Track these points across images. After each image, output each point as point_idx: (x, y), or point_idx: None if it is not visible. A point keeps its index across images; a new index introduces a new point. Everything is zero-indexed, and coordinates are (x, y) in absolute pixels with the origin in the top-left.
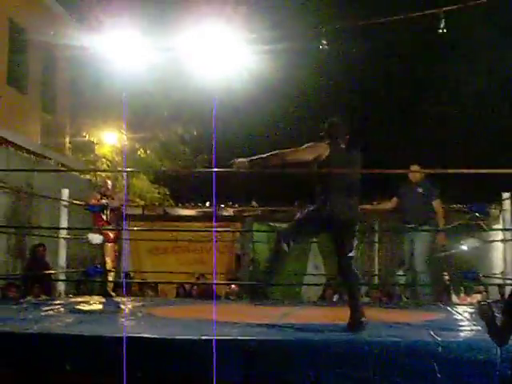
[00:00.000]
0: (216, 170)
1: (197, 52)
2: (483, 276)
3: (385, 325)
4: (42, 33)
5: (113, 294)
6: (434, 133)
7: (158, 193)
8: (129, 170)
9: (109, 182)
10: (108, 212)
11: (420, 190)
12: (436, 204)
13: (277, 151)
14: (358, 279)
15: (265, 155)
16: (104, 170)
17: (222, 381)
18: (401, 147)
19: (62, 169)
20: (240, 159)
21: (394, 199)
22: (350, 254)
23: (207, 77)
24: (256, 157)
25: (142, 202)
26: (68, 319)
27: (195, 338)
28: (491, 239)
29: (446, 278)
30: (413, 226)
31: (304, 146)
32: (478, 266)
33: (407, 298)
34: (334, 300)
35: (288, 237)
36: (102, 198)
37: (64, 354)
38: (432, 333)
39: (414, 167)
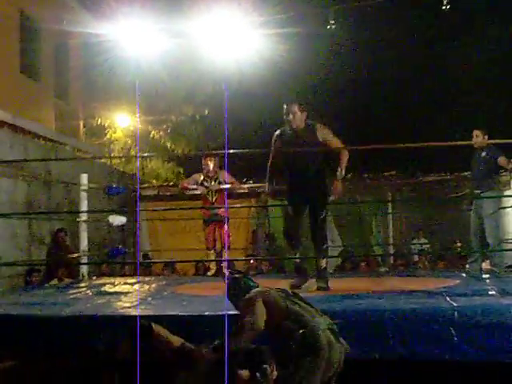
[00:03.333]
0: (229, 151)
1: (208, 36)
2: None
3: (402, 292)
4: (54, 21)
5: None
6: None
7: (172, 172)
8: (144, 155)
9: (210, 164)
10: (213, 193)
11: (483, 154)
12: (501, 160)
13: None
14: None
15: None
16: (118, 157)
17: None
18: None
19: (78, 156)
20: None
21: None
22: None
23: (218, 60)
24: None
25: (155, 182)
26: (96, 301)
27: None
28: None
29: None
30: (480, 191)
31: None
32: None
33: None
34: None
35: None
36: (204, 180)
37: (97, 335)
38: (448, 299)
39: (476, 132)
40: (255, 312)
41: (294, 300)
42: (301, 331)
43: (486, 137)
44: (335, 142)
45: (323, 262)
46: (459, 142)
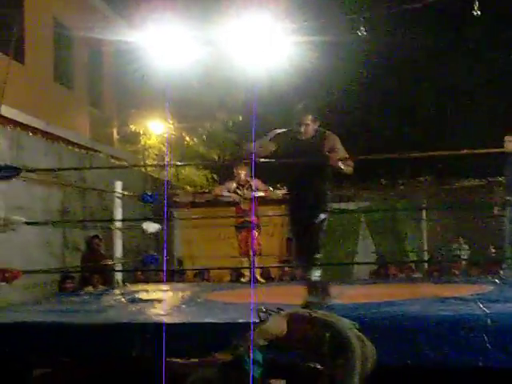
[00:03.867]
0: (258, 160)
1: (239, 43)
2: None
3: (435, 299)
4: (87, 29)
5: (262, 280)
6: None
7: (207, 179)
8: (177, 164)
9: (241, 173)
10: (246, 201)
11: None
12: None
13: None
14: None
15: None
16: (150, 165)
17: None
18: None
19: (112, 163)
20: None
21: None
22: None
23: (250, 67)
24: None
25: (189, 189)
26: (130, 308)
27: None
28: None
29: None
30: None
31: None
32: None
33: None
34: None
35: None
36: (237, 188)
37: (130, 341)
38: (481, 306)
39: (508, 138)
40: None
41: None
42: (328, 334)
43: None
44: (342, 152)
45: (315, 274)
46: (492, 150)
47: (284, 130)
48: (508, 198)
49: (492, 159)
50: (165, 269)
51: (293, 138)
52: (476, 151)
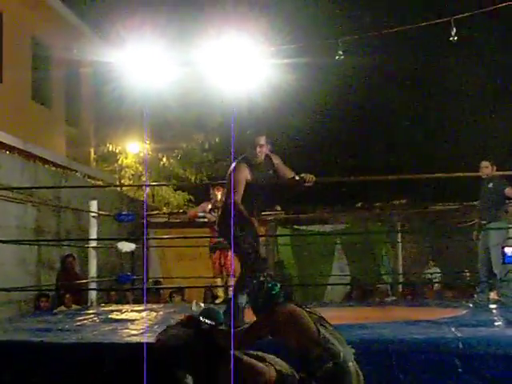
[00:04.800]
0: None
1: (217, 65)
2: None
3: (408, 322)
4: (65, 48)
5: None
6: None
7: (183, 199)
8: (152, 184)
9: (218, 194)
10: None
11: (490, 185)
12: (508, 190)
13: None
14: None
15: None
16: (128, 185)
17: None
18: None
19: (88, 185)
20: None
21: None
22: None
23: (228, 89)
24: None
25: (165, 210)
26: (103, 328)
27: None
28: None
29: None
30: (485, 222)
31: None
32: None
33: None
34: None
35: None
36: (212, 210)
37: (101, 362)
38: (453, 329)
39: (484, 163)
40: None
41: (325, 325)
42: (331, 364)
43: (495, 168)
44: (288, 170)
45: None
46: (467, 174)
47: (242, 159)
48: (482, 222)
49: (468, 183)
50: (145, 288)
51: (253, 166)
52: (450, 175)
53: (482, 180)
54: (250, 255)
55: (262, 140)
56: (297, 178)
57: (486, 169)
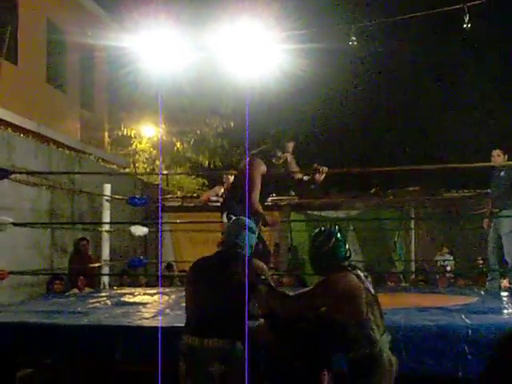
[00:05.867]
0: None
1: (231, 50)
2: None
3: (419, 309)
4: (80, 32)
5: None
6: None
7: (197, 184)
8: (165, 173)
9: (230, 178)
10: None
11: (503, 173)
12: None
13: None
14: None
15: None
16: (142, 173)
17: None
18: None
19: (102, 167)
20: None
21: None
22: None
23: (241, 74)
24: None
25: (179, 193)
26: (115, 311)
27: None
28: None
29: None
30: (497, 210)
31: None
32: None
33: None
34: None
35: None
36: (225, 193)
37: (114, 344)
38: (463, 316)
39: (496, 152)
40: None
41: (374, 307)
42: (368, 351)
43: (506, 156)
44: (297, 169)
45: None
46: (480, 164)
47: (258, 153)
48: (494, 210)
49: (481, 171)
50: (160, 273)
51: (267, 160)
52: (463, 165)
53: (494, 168)
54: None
55: (291, 147)
56: (305, 178)
57: (498, 157)
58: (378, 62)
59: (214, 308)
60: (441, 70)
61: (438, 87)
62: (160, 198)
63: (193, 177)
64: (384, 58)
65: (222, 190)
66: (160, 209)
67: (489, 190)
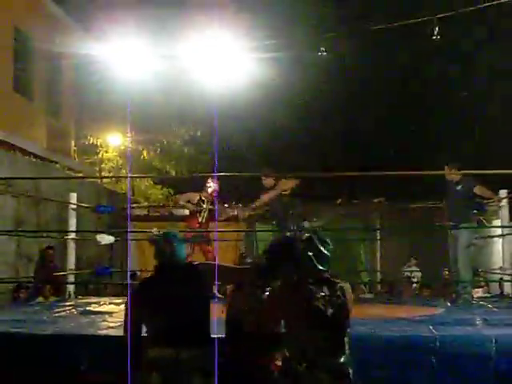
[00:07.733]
0: (217, 174)
1: (200, 59)
2: (482, 271)
3: (385, 320)
4: (48, 40)
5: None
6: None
7: (162, 194)
8: (133, 175)
9: (210, 186)
10: (205, 214)
11: (459, 187)
12: (478, 188)
13: None
14: None
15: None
16: (109, 177)
17: None
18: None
19: (69, 176)
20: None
21: None
22: None
23: (209, 83)
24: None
25: (146, 203)
26: (80, 320)
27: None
28: (490, 235)
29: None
30: (453, 224)
31: None
32: (478, 261)
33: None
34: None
35: None
36: (201, 200)
37: (79, 355)
38: (430, 327)
39: (447, 168)
40: None
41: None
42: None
43: (457, 171)
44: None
45: None
46: (432, 172)
47: None
48: (451, 223)
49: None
50: (129, 281)
51: None
52: (414, 173)
53: (449, 183)
54: None
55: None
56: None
57: (450, 172)
58: (350, 71)
59: (183, 319)
60: (413, 80)
61: (411, 97)
62: (129, 206)
63: (159, 186)
64: (355, 66)
65: (198, 197)
66: (129, 217)
67: (444, 202)
